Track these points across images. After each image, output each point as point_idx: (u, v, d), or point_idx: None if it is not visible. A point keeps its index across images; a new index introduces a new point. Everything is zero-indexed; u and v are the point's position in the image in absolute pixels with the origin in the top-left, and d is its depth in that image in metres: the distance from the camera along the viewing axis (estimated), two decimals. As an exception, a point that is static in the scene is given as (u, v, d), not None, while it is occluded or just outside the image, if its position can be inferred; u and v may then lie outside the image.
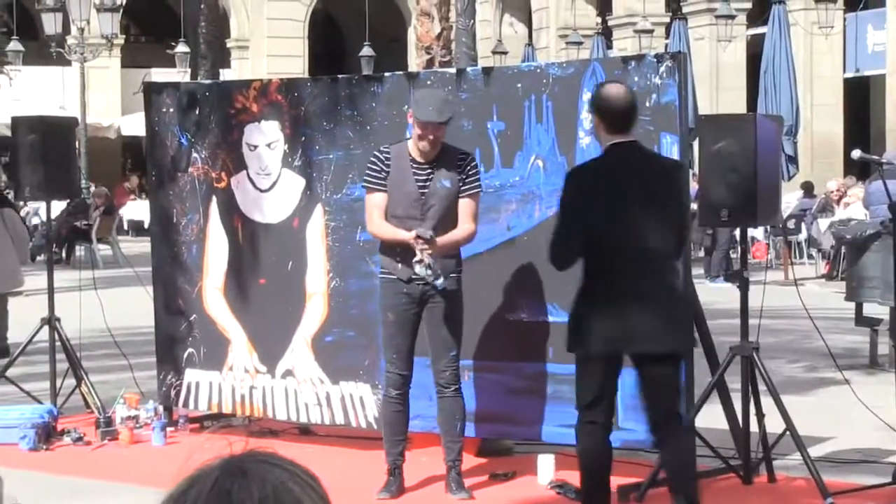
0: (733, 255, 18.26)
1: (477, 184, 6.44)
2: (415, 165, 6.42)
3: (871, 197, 16.70)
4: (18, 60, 28.96)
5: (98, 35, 28.19)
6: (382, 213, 6.49)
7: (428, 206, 6.38)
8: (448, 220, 6.39)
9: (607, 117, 5.68)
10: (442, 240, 6.30)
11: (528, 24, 33.74)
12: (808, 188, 20.95)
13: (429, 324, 6.47)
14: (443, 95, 6.67)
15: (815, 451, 6.89)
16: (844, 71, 25.45)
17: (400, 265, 6.43)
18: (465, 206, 6.41)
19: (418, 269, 6.27)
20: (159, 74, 29.89)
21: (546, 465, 6.70)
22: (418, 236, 6.20)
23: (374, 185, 6.49)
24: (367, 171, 6.53)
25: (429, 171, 6.40)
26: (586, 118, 6.72)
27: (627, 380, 6.62)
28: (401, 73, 7.64)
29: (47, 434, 7.81)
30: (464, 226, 6.41)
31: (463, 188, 6.40)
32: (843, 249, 14.93)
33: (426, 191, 6.40)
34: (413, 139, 6.41)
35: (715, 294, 13.98)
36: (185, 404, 8.19)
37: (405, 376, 6.54)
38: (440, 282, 6.31)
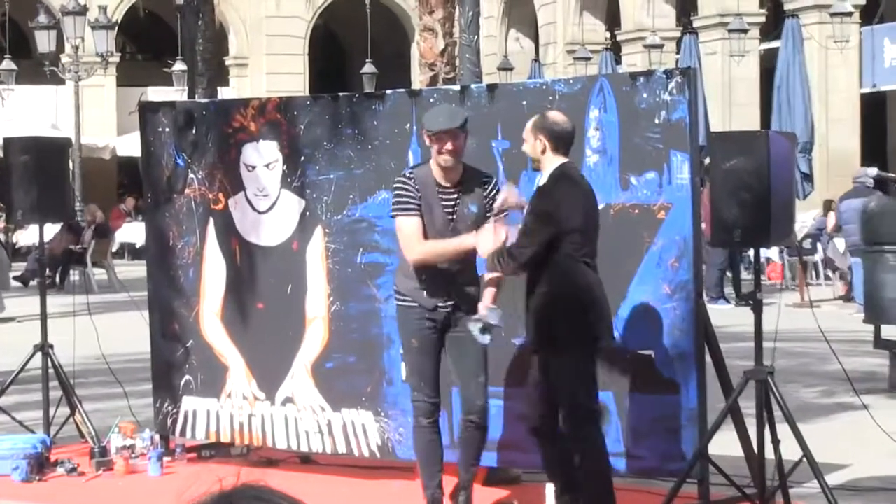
0: (748, 276, 18.23)
1: None
2: (441, 190, 6.37)
3: (843, 216, 16.69)
4: (11, 80, 29.07)
5: (93, 53, 28.30)
6: (422, 237, 6.38)
7: (456, 233, 6.34)
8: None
9: (563, 141, 6.19)
10: (495, 283, 6.31)
11: (535, 39, 33.81)
12: (828, 206, 20.92)
13: (452, 351, 6.42)
14: (449, 106, 6.68)
15: (832, 479, 6.86)
16: (860, 86, 25.45)
17: (425, 293, 6.39)
18: (492, 229, 6.32)
19: (473, 326, 6.22)
20: (156, 93, 29.99)
21: (554, 493, 6.67)
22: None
23: (407, 209, 6.37)
24: (398, 197, 6.41)
25: (455, 195, 6.36)
26: (594, 136, 6.73)
27: (635, 405, 6.62)
28: (403, 90, 7.67)
29: (40, 465, 7.80)
30: None
31: (490, 213, 6.35)
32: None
33: (454, 216, 6.36)
34: (433, 160, 6.34)
35: (728, 316, 13.95)
36: (182, 433, 8.18)
37: (435, 403, 6.47)
38: (488, 338, 6.28)
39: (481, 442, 6.48)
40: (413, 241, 6.40)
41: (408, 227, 6.39)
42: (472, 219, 6.35)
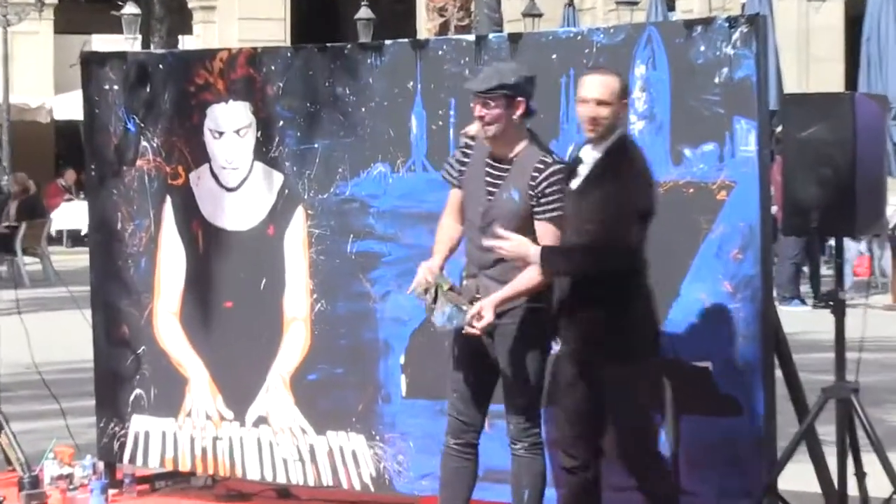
0: (828, 272, 18.21)
1: (557, 203, 6.23)
2: (490, 163, 6.39)
3: None
4: (-75, 25, 29.10)
5: (25, -7, 28.30)
6: (455, 212, 6.52)
7: (490, 219, 6.32)
8: None
9: None
10: (500, 295, 6.24)
11: (569, -22, 33.76)
12: (927, 186, 20.90)
13: (499, 361, 6.44)
14: (503, 64, 6.60)
15: (930, 521, 6.85)
16: (969, 38, 25.37)
17: (465, 282, 6.45)
18: (541, 232, 6.25)
19: (436, 315, 6.31)
20: (102, 42, 30.00)
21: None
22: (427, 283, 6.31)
23: (448, 177, 6.57)
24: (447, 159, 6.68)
25: (502, 174, 6.35)
26: (639, 98, 6.73)
27: (688, 428, 6.61)
28: (406, 40, 7.66)
29: (-43, 497, 7.84)
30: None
31: (537, 208, 6.26)
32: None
33: (492, 199, 6.36)
34: None
35: (804, 321, 13.94)
36: (132, 460, 8.20)
37: (466, 423, 6.48)
38: (440, 321, 6.31)
39: (528, 479, 6.43)
40: (444, 213, 6.58)
41: (448, 197, 6.58)
42: (509, 208, 6.29)
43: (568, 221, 6.18)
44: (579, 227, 6.10)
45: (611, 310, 6.09)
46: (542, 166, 6.28)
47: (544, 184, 6.25)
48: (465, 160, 6.49)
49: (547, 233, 6.25)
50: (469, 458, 6.51)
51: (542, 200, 6.25)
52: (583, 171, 6.20)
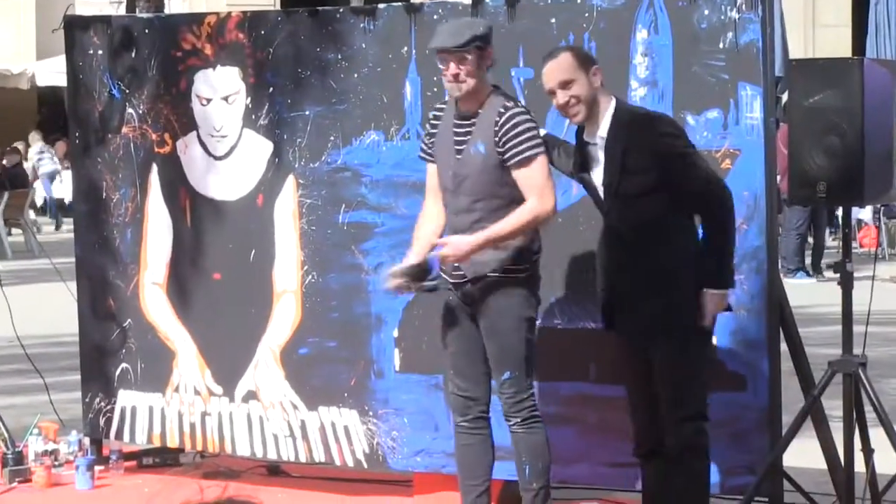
0: (834, 243, 18.21)
1: (523, 146, 6.24)
2: (456, 123, 6.44)
3: None
4: None
5: (6, -45, 28.23)
6: (435, 195, 6.56)
7: (461, 178, 6.37)
8: (494, 198, 6.31)
9: None
10: (471, 239, 6.28)
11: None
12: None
13: (483, 334, 6.46)
14: (465, 20, 6.68)
15: (939, 499, 6.87)
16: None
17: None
18: (519, 180, 6.28)
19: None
20: (85, 6, 29.92)
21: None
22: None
23: (423, 154, 6.66)
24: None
25: (467, 130, 6.39)
26: (641, 63, 6.73)
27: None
28: (400, 3, 7.65)
29: (-62, 474, 7.84)
30: (520, 208, 6.26)
31: (505, 155, 6.28)
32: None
33: (460, 157, 6.40)
34: None
35: (809, 293, 13.95)
36: (119, 436, 8.22)
37: (469, 398, 6.49)
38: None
39: (528, 454, 6.43)
40: (425, 197, 6.64)
41: (427, 178, 6.66)
42: (478, 162, 6.32)
43: (601, 209, 6.23)
44: (625, 208, 6.12)
45: (670, 291, 6.11)
46: (502, 111, 6.32)
47: (506, 126, 6.28)
48: (434, 131, 6.53)
49: (523, 178, 6.28)
50: (479, 434, 6.51)
51: (508, 145, 6.27)
52: (599, 155, 6.18)
